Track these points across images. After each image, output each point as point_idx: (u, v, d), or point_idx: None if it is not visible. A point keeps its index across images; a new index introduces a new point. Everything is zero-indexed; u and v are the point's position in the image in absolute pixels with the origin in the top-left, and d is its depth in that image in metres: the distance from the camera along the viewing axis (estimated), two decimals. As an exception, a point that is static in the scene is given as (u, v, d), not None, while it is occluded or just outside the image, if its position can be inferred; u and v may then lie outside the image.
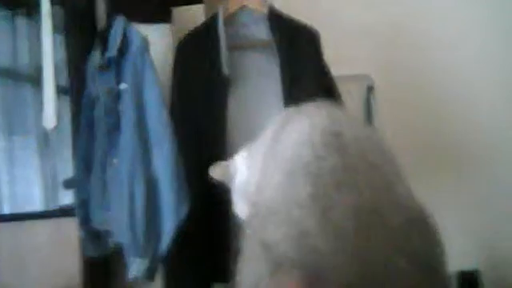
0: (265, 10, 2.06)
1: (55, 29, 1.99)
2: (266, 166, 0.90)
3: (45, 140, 2.24)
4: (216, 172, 1.10)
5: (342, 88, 2.08)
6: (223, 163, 1.09)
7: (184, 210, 1.79)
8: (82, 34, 2.06)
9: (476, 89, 2.41)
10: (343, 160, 0.81)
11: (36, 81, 2.10)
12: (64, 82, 2.09)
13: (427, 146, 2.39)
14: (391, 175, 0.83)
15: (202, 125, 1.98)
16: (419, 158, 2.23)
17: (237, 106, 2.01)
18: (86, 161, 1.97)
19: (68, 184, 2.07)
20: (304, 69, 1.98)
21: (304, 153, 0.84)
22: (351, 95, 2.21)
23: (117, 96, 1.84)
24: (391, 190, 0.82)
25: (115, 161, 1.87)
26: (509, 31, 2.41)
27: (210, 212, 1.87)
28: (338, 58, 2.08)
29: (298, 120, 0.91)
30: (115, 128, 1.86)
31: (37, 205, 2.27)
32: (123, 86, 1.83)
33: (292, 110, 0.96)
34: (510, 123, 2.40)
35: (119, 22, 1.88)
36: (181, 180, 1.80)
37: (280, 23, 2.04)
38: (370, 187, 0.80)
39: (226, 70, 1.98)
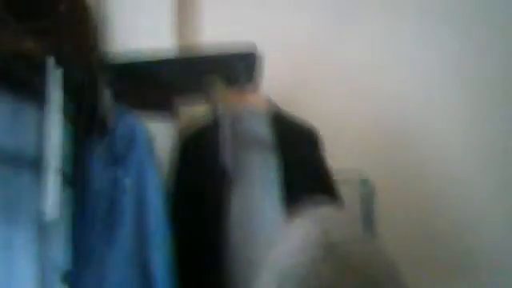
0: (267, 110, 2.13)
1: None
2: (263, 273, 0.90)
3: (44, 230, 2.24)
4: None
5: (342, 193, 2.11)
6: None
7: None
8: (89, 128, 2.10)
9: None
10: (338, 273, 0.82)
11: (39, 169, 2.12)
12: (67, 173, 2.11)
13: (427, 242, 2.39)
14: None
15: (204, 224, 1.99)
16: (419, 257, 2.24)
17: (238, 205, 2.03)
18: (83, 254, 1.96)
19: (65, 277, 2.05)
20: (303, 171, 2.01)
21: (299, 263, 0.85)
22: (347, 192, 2.23)
23: (120, 192, 1.87)
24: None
25: (113, 255, 1.87)
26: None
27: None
28: (334, 155, 2.12)
29: (293, 230, 0.92)
30: (115, 224, 1.87)
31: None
32: (127, 181, 1.87)
33: (294, 213, 0.97)
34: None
35: (126, 119, 1.94)
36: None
37: (281, 124, 2.09)
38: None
39: (229, 168, 2.02)
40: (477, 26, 2.52)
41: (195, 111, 2.25)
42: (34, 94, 2.18)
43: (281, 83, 2.34)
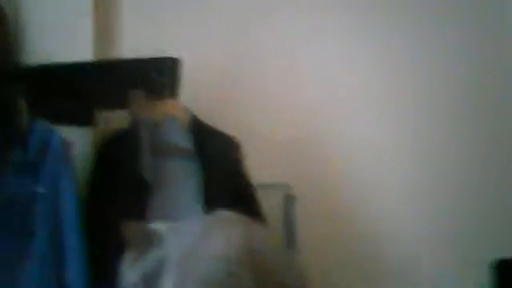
0: (187, 119, 2.13)
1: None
2: (183, 274, 0.90)
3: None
4: (131, 229, 1.10)
5: (262, 196, 2.13)
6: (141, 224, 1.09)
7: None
8: (1, 136, 2.04)
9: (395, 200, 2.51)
10: (256, 279, 0.84)
11: None
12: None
13: (348, 256, 2.44)
14: None
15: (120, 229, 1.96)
16: (340, 270, 2.29)
17: (156, 212, 2.02)
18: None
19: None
20: (223, 177, 2.02)
21: (219, 269, 0.86)
22: (270, 204, 2.26)
23: (33, 199, 1.82)
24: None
25: (27, 265, 1.82)
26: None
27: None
28: (256, 167, 2.15)
29: (216, 234, 0.93)
30: (29, 233, 1.82)
31: None
32: (41, 189, 1.82)
33: (211, 220, 0.98)
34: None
35: (40, 125, 1.89)
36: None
37: (201, 131, 2.10)
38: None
39: (147, 175, 2.00)
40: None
41: (114, 118, 2.22)
42: None
43: (203, 96, 2.34)
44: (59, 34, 2.22)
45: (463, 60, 2.56)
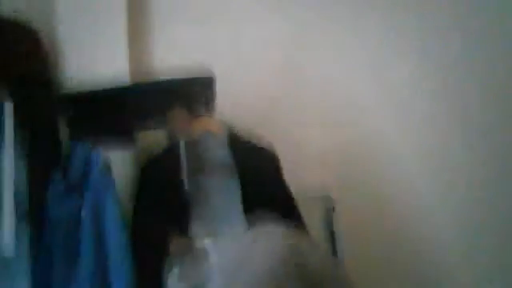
0: (225, 134, 2.13)
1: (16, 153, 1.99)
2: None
3: (4, 267, 2.18)
4: (177, 245, 1.09)
5: (304, 209, 2.11)
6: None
7: None
8: (44, 159, 2.07)
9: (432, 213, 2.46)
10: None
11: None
12: (23, 208, 2.07)
13: (388, 267, 2.40)
14: None
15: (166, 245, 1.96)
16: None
17: (200, 227, 2.01)
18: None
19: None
20: (263, 190, 2.01)
21: (266, 282, 0.85)
22: (313, 217, 2.24)
23: (78, 222, 1.84)
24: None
25: (74, 288, 1.84)
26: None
27: None
28: (297, 180, 2.13)
29: (261, 247, 0.92)
30: (75, 255, 1.84)
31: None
32: (83, 213, 1.84)
33: (255, 233, 0.97)
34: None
35: (82, 148, 1.91)
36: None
37: (239, 146, 2.10)
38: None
39: (188, 191, 2.00)
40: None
41: (154, 137, 2.23)
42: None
43: (239, 110, 2.32)
44: (95, 47, 2.24)
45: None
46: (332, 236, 2.37)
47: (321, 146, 2.46)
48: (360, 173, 2.47)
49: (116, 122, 2.16)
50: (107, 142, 2.04)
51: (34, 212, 2.04)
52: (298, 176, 2.17)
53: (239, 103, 2.25)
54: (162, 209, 2.00)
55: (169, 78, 2.26)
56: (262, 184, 2.04)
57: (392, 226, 2.45)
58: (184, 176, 2.02)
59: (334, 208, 2.40)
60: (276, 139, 2.22)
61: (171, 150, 2.09)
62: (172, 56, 2.33)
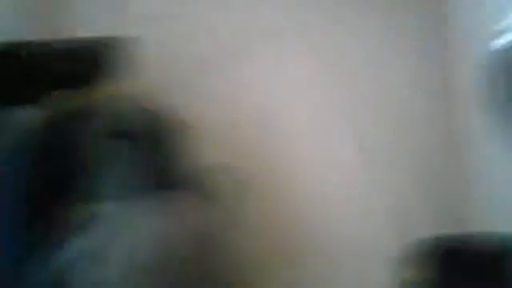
0: (134, 101, 2.11)
1: None
2: (128, 251, 0.94)
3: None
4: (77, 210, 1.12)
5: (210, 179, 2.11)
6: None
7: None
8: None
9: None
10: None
11: None
12: None
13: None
14: None
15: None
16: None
17: (101, 193, 1.96)
18: None
19: None
20: (165, 159, 1.98)
21: (162, 248, 0.90)
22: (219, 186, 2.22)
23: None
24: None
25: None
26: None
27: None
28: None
29: (159, 215, 0.96)
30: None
31: None
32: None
33: (155, 200, 1.01)
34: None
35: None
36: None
37: (145, 114, 2.06)
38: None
39: (91, 155, 1.97)
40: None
41: (65, 98, 2.20)
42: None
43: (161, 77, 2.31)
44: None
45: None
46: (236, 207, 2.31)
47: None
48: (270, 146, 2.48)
49: (28, 79, 2.08)
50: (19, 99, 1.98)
51: None
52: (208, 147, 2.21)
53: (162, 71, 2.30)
54: (63, 172, 1.95)
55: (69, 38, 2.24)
56: (167, 152, 2.01)
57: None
58: (87, 140, 1.99)
59: (240, 179, 2.35)
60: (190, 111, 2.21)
61: (80, 113, 2.04)
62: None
